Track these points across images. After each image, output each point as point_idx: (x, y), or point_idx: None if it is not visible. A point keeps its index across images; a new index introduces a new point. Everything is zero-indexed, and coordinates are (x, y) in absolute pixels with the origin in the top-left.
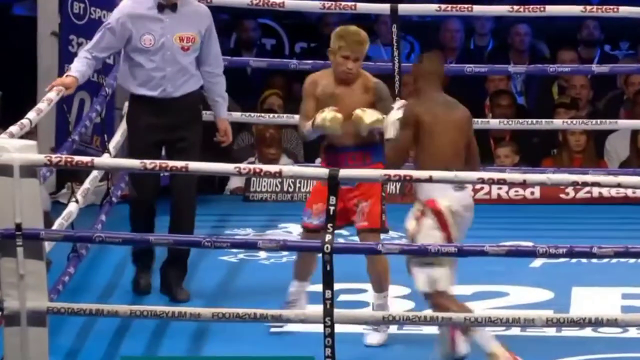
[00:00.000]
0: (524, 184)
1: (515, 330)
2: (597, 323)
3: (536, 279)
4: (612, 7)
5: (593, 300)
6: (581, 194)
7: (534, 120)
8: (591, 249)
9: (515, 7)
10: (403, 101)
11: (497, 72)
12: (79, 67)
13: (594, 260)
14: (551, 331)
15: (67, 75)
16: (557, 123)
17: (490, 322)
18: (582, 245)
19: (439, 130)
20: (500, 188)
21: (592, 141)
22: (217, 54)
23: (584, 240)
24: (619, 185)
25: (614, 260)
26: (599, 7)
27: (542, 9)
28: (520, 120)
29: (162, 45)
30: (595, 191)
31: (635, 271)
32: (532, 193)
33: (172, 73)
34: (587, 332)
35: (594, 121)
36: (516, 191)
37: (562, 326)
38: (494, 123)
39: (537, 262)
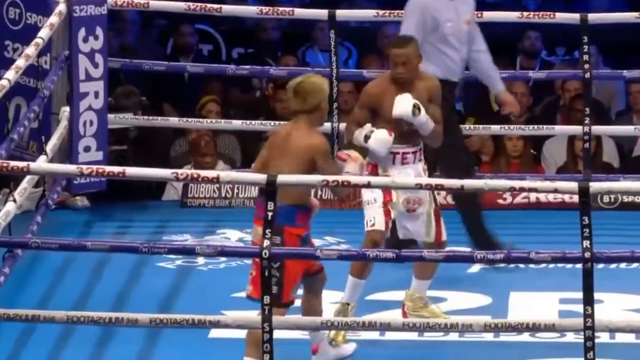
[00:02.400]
0: (462, 189)
1: (454, 336)
2: (534, 328)
3: (474, 285)
4: (548, 13)
5: (530, 305)
6: (518, 199)
7: (472, 126)
8: (529, 254)
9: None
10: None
11: None
12: None
13: (532, 266)
14: (489, 336)
15: None
16: (495, 129)
17: (429, 327)
18: (520, 251)
19: None
20: (438, 194)
21: (529, 147)
22: (479, 32)
23: (522, 246)
24: (555, 191)
25: (551, 265)
26: (536, 13)
27: (479, 15)
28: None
29: (459, 29)
30: (533, 196)
31: (572, 276)
32: None
33: (463, 55)
34: (525, 337)
35: (530, 127)
36: None
37: (499, 331)
38: None
39: (475, 268)
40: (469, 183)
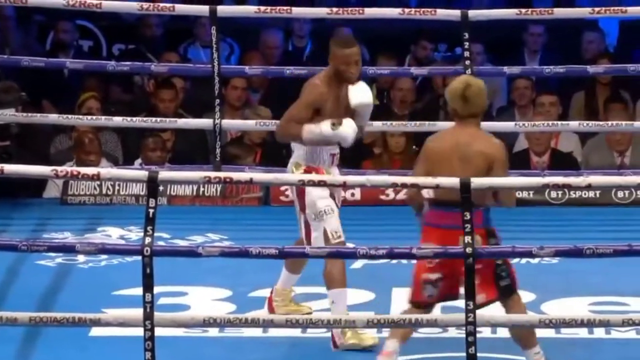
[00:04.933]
0: (344, 186)
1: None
2: (417, 323)
3: (357, 280)
4: (429, 9)
5: None
6: (401, 196)
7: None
8: (411, 250)
9: (334, 9)
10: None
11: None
12: None
13: (414, 261)
14: (372, 332)
15: None
16: (377, 125)
17: (312, 323)
18: (403, 247)
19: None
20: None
21: (411, 143)
22: None
23: (405, 242)
24: (437, 187)
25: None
26: (417, 9)
27: (361, 11)
28: None
29: None
30: None
31: None
32: (353, 195)
33: None
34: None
35: (413, 123)
36: None
37: (383, 327)
38: None
39: (358, 264)
40: (350, 179)
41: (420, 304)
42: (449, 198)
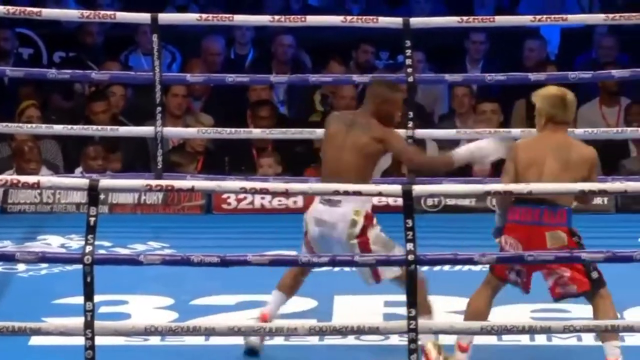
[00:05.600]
0: (286, 194)
1: (279, 340)
2: (359, 331)
3: (300, 288)
4: (371, 17)
5: (355, 308)
6: None
7: (298, 130)
8: (353, 257)
9: (277, 17)
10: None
11: (258, 81)
12: None
13: (356, 268)
14: (314, 340)
15: None
16: (320, 132)
17: (254, 332)
18: (344, 254)
19: (329, 144)
20: (263, 198)
21: None
22: None
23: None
24: (380, 194)
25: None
26: (359, 17)
27: (303, 19)
28: (283, 130)
29: None
30: None
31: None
32: (295, 202)
33: None
34: (350, 340)
35: None
36: (279, 200)
37: (324, 334)
38: (256, 133)
39: None
40: (294, 187)
41: (501, 278)
42: (536, 197)
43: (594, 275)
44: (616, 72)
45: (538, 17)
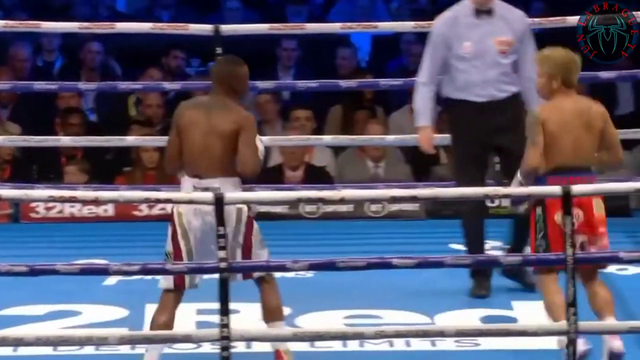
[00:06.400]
0: (96, 202)
1: (89, 349)
2: (171, 339)
3: (110, 297)
4: (182, 24)
5: None
6: (155, 211)
7: (107, 138)
8: (164, 265)
9: (85, 24)
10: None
11: (67, 89)
12: (429, 113)
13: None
14: (126, 349)
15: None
16: (130, 140)
17: (63, 341)
18: (156, 262)
19: (191, 133)
20: (73, 206)
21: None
22: (534, 59)
23: (159, 257)
24: (191, 202)
25: None
26: (169, 24)
27: (112, 26)
28: (92, 138)
29: (482, 50)
30: (169, 208)
31: (209, 287)
32: (106, 210)
33: (495, 76)
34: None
35: (167, 138)
36: (89, 209)
37: (135, 343)
38: (65, 141)
39: (112, 280)
40: (103, 195)
41: None
42: (572, 164)
43: None
44: None
45: (348, 24)
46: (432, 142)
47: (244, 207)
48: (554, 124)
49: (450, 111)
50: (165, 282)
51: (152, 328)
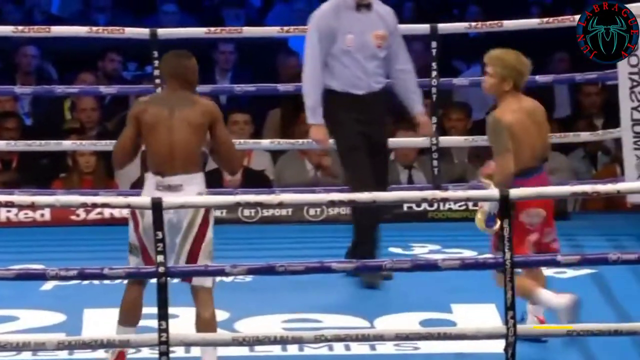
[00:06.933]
0: (32, 206)
1: (27, 355)
2: (108, 344)
3: (48, 302)
4: (118, 28)
5: (106, 322)
6: (92, 215)
7: (43, 142)
8: (102, 270)
9: (20, 28)
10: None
11: (3, 92)
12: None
13: (106, 282)
14: (63, 354)
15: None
16: (66, 144)
17: (1, 347)
18: (93, 267)
19: (154, 130)
20: (9, 211)
21: (102, 162)
22: (405, 51)
23: (96, 262)
24: (128, 206)
25: (118, 281)
26: (105, 28)
27: (47, 29)
28: (28, 142)
29: (362, 43)
30: (107, 212)
31: (148, 292)
32: (42, 215)
33: (373, 69)
34: (101, 354)
35: (104, 142)
36: (26, 213)
37: (73, 348)
38: (1, 145)
39: (49, 285)
40: (40, 199)
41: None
42: (532, 164)
43: None
44: None
45: (286, 28)
46: (327, 137)
47: (201, 209)
48: (517, 127)
49: (330, 103)
50: None
51: (121, 307)
